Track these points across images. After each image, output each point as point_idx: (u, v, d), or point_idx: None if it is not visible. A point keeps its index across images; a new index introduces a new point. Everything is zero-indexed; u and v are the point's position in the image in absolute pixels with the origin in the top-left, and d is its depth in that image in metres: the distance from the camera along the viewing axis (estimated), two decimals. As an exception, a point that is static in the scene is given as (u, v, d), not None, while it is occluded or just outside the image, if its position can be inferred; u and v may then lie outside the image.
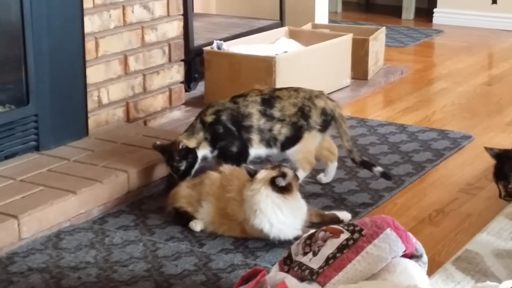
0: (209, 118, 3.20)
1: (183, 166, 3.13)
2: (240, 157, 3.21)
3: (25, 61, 3.24)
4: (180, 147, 3.12)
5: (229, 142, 3.21)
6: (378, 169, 3.31)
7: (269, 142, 3.24)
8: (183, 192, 3.03)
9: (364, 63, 4.81)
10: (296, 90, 3.32)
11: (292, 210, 2.80)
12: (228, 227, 2.89)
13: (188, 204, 2.99)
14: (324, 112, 3.27)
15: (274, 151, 3.27)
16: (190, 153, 3.14)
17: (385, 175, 3.31)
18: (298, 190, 2.84)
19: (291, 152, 3.26)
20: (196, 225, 2.94)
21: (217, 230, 2.91)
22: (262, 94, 3.28)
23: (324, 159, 3.39)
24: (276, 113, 3.23)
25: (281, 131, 3.23)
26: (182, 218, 2.98)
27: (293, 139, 3.25)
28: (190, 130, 3.21)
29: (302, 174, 3.21)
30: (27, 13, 3.20)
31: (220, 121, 3.20)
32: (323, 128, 3.29)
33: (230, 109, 3.22)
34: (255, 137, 3.22)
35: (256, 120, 3.22)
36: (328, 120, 3.29)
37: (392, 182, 3.37)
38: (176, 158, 3.12)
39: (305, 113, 3.25)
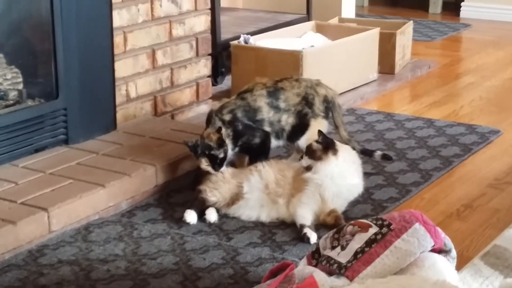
0: (227, 117, 3.20)
1: (221, 154, 3.12)
2: (264, 147, 3.25)
3: (54, 56, 3.27)
4: (217, 136, 3.12)
5: (251, 136, 3.23)
6: (378, 153, 3.49)
7: (278, 133, 3.29)
8: (215, 177, 3.06)
9: (391, 57, 4.79)
10: (297, 80, 3.38)
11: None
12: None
13: (214, 189, 3.01)
14: (326, 100, 3.35)
15: (281, 143, 3.32)
16: (224, 143, 3.15)
17: (385, 157, 3.46)
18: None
19: (302, 142, 3.28)
20: (211, 216, 2.97)
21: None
22: (267, 87, 3.31)
23: None
24: (281, 104, 3.27)
25: (288, 121, 3.28)
26: (194, 203, 3.01)
27: (300, 128, 3.29)
28: (212, 127, 3.21)
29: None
30: (57, 7, 3.23)
31: (237, 118, 3.21)
32: (326, 115, 3.35)
33: (242, 106, 3.24)
34: (267, 129, 3.26)
35: (266, 113, 3.25)
36: (329, 108, 3.36)
37: (420, 176, 3.36)
38: (214, 146, 3.11)
39: (309, 101, 3.30)
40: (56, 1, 3.22)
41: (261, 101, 3.25)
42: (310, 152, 2.96)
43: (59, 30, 3.25)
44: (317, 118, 3.31)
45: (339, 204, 2.97)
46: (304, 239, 2.80)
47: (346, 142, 3.34)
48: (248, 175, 3.02)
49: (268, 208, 2.97)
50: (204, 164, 3.09)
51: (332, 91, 3.40)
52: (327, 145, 2.95)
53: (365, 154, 3.45)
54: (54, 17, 3.23)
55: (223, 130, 3.13)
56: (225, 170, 3.10)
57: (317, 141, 2.96)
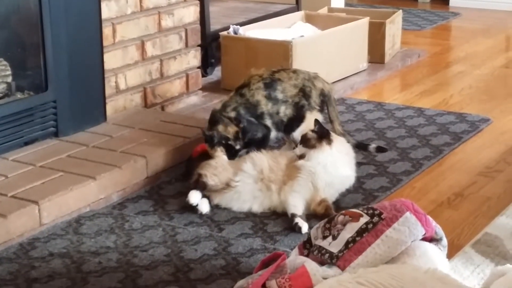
0: (232, 114, 3.23)
1: (237, 146, 3.18)
2: (264, 142, 3.29)
3: (43, 48, 3.25)
4: (236, 130, 3.18)
5: (254, 131, 3.26)
6: (372, 146, 3.53)
7: (277, 125, 3.30)
8: (214, 162, 3.07)
9: (381, 47, 4.79)
10: (295, 71, 3.39)
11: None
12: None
13: (213, 174, 3.01)
14: (322, 93, 3.37)
15: (280, 134, 3.34)
16: (239, 137, 3.20)
17: (380, 149, 3.50)
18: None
19: (297, 134, 3.30)
20: (203, 206, 2.97)
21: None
22: (263, 78, 3.32)
23: None
24: (279, 95, 3.30)
25: (286, 112, 3.30)
26: (197, 186, 3.00)
27: (296, 120, 3.31)
28: (222, 124, 3.22)
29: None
30: (45, -1, 3.22)
31: (241, 115, 3.24)
32: (322, 108, 3.37)
33: (243, 103, 3.26)
34: (268, 122, 3.28)
35: (265, 105, 3.27)
36: (325, 101, 3.38)
37: (411, 165, 3.37)
38: (231, 138, 3.18)
39: (306, 93, 3.33)
40: (44, -7, 3.21)
41: (259, 95, 3.27)
42: (304, 140, 2.98)
43: (48, 22, 3.23)
44: (312, 111, 3.33)
45: (330, 194, 2.97)
46: (296, 229, 2.80)
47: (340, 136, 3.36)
48: (242, 163, 3.02)
49: (261, 197, 2.97)
50: (219, 153, 3.14)
51: (329, 85, 3.42)
52: (322, 134, 2.96)
53: (360, 148, 3.48)
54: (43, 9, 3.21)
55: (234, 127, 3.18)
56: (224, 157, 3.13)
57: (312, 130, 2.97)
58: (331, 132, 3.01)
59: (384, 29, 4.76)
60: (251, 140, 3.26)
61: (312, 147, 2.94)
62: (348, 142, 3.23)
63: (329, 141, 2.96)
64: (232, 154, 3.17)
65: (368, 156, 3.48)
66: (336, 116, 3.45)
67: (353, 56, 4.59)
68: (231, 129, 3.19)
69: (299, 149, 2.98)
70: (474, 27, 5.95)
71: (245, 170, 2.99)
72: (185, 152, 3.32)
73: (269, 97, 3.28)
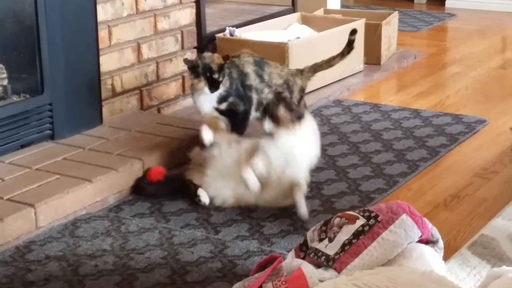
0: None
1: (220, 78, 3.21)
2: (244, 121, 3.33)
3: (39, 51, 3.25)
4: (221, 62, 3.22)
5: (238, 99, 3.29)
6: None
7: (258, 104, 3.36)
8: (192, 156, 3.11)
9: (377, 48, 4.79)
10: (281, 64, 3.49)
11: None
12: None
13: (195, 174, 3.05)
14: (301, 89, 3.48)
15: (255, 114, 3.37)
16: (223, 68, 3.23)
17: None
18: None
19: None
20: (204, 198, 3.00)
21: None
22: (253, 56, 3.41)
23: None
24: (265, 76, 3.37)
25: (268, 96, 3.35)
26: (187, 187, 3.05)
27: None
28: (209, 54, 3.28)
29: None
30: (41, 2, 3.21)
31: (233, 78, 3.28)
32: (299, 104, 3.44)
33: (235, 68, 3.31)
34: (254, 96, 3.35)
35: (253, 80, 3.35)
36: (302, 97, 3.48)
37: (407, 167, 3.37)
38: (214, 69, 3.20)
39: (290, 88, 3.41)
40: (40, -5, 3.21)
41: (248, 68, 3.35)
42: (275, 116, 2.93)
43: (44, 25, 3.23)
44: None
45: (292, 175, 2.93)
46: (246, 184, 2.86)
47: None
48: (212, 153, 3.04)
49: (230, 189, 2.99)
50: (202, 85, 3.19)
51: (305, 81, 3.52)
52: (297, 116, 2.92)
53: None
54: (38, 11, 3.21)
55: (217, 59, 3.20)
56: (195, 151, 3.15)
57: (287, 106, 2.93)
58: (305, 114, 2.97)
59: (380, 30, 4.76)
60: (232, 110, 3.28)
61: (281, 126, 2.90)
62: None
63: (299, 124, 2.91)
64: (214, 86, 3.19)
65: (364, 158, 3.48)
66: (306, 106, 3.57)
67: (349, 57, 4.57)
68: (217, 59, 3.20)
69: (268, 125, 2.93)
70: (470, 28, 5.96)
71: (215, 158, 3.01)
72: (182, 155, 3.32)
73: (257, 73, 3.36)
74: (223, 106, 3.26)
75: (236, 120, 3.31)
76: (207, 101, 3.25)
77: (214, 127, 3.25)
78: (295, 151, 2.92)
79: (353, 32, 3.58)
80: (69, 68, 3.36)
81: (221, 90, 3.23)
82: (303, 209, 2.84)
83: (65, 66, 3.34)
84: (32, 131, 3.29)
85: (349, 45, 3.66)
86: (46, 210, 2.84)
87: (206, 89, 3.20)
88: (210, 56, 3.24)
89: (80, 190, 2.96)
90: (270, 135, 2.94)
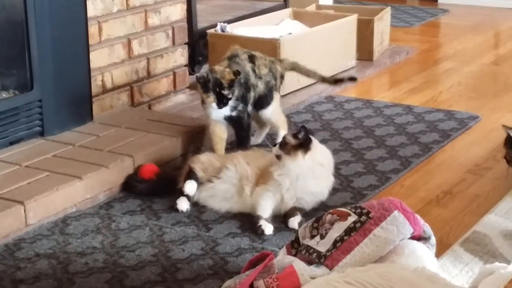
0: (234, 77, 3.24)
1: (229, 94, 3.20)
2: (248, 130, 3.38)
3: (28, 47, 3.22)
4: (232, 78, 3.20)
5: (243, 109, 3.29)
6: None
7: (254, 99, 3.39)
8: (204, 158, 3.06)
9: (369, 44, 4.78)
10: (260, 53, 3.51)
11: None
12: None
13: (202, 169, 3.01)
14: (281, 76, 3.53)
15: (250, 108, 3.39)
16: (234, 85, 3.22)
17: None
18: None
19: (269, 112, 3.46)
20: (182, 205, 2.96)
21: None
22: (245, 52, 3.43)
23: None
24: (256, 70, 3.40)
25: (260, 88, 3.40)
26: (191, 175, 3.00)
27: (266, 98, 3.43)
28: (220, 67, 3.27)
29: (283, 132, 3.39)
30: (30, -3, 3.19)
31: (240, 82, 3.28)
32: (279, 90, 3.52)
33: (240, 68, 3.32)
34: (252, 94, 3.37)
35: (252, 77, 3.37)
36: (281, 83, 3.54)
37: (400, 163, 3.36)
38: (225, 85, 3.19)
39: (274, 74, 3.47)
40: (29, -9, 3.18)
41: (247, 66, 3.37)
42: (282, 143, 2.90)
43: (32, 21, 3.21)
44: (277, 91, 3.50)
45: (300, 204, 2.90)
46: (258, 231, 2.77)
47: None
48: (228, 163, 3.00)
49: (233, 200, 2.95)
50: (211, 100, 3.17)
51: (283, 69, 3.57)
52: (302, 142, 2.86)
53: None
54: (27, 7, 3.18)
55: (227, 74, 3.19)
56: (211, 154, 3.14)
57: (294, 135, 2.89)
58: (313, 141, 2.90)
59: (372, 26, 4.75)
60: (237, 118, 3.28)
61: (287, 153, 2.86)
62: None
63: (306, 151, 2.85)
64: (222, 102, 3.18)
65: (356, 155, 3.47)
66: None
67: (341, 53, 4.58)
68: (228, 75, 3.18)
69: (276, 150, 2.90)
70: (463, 24, 5.95)
71: (228, 173, 2.97)
72: (173, 151, 3.30)
73: (253, 69, 3.38)
74: (234, 113, 3.26)
75: (241, 130, 3.32)
76: (218, 110, 3.23)
77: (217, 138, 3.29)
78: (301, 179, 2.87)
79: (352, 79, 3.59)
80: (58, 64, 3.33)
81: (233, 100, 3.21)
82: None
83: (55, 62, 3.32)
84: (22, 128, 3.26)
85: (337, 82, 3.75)
86: (35, 208, 2.82)
87: (214, 105, 3.18)
88: (222, 72, 3.20)
89: (70, 187, 2.94)
90: (278, 159, 2.90)
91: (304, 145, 2.86)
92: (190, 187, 2.97)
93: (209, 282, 2.46)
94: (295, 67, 3.67)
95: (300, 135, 2.86)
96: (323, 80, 3.77)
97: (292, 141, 2.87)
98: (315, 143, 2.91)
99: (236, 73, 3.18)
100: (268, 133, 3.61)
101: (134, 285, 2.45)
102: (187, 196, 2.97)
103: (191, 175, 3.00)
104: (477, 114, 3.98)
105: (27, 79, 3.26)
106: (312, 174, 2.87)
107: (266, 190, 2.88)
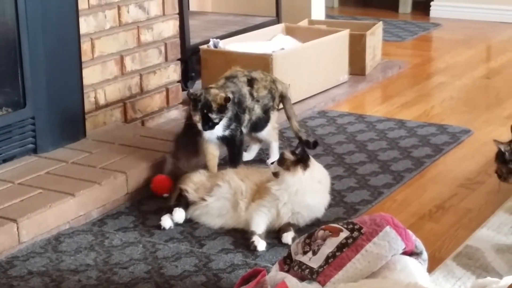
0: (230, 95, 3.22)
1: (216, 119, 3.17)
2: (240, 149, 3.37)
3: (21, 64, 3.23)
4: (222, 103, 3.17)
5: (236, 128, 3.29)
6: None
7: (249, 121, 3.39)
8: (196, 178, 3.06)
9: (362, 59, 4.79)
10: (262, 72, 3.50)
11: None
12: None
13: (194, 190, 3.01)
14: (281, 95, 3.51)
15: (246, 130, 3.39)
16: (225, 110, 3.19)
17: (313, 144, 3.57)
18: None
19: (266, 133, 3.47)
20: (166, 222, 2.96)
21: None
22: (245, 75, 3.42)
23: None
24: (254, 93, 3.39)
25: (256, 111, 3.40)
26: (180, 201, 3.01)
27: (263, 120, 3.43)
28: (214, 89, 3.25)
29: (276, 144, 3.51)
30: (22, 15, 3.19)
31: (234, 102, 3.27)
32: (278, 108, 3.52)
33: (237, 92, 3.31)
34: (247, 117, 3.36)
35: (249, 100, 3.36)
36: (282, 101, 3.53)
37: (392, 178, 3.37)
38: (213, 109, 3.16)
39: (272, 95, 3.46)
40: (21, 9, 3.19)
41: (244, 88, 3.36)
42: (280, 159, 2.92)
43: (25, 38, 3.22)
44: (274, 110, 3.48)
45: (296, 220, 2.91)
46: (251, 247, 2.78)
47: (297, 132, 3.54)
48: (220, 181, 3.01)
49: (228, 216, 2.96)
50: (197, 119, 3.15)
51: (285, 85, 3.55)
52: (300, 159, 2.89)
53: (311, 146, 3.52)
54: (20, 25, 3.19)
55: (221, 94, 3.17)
56: (204, 172, 3.13)
57: (292, 152, 2.91)
58: (311, 158, 2.94)
59: (364, 41, 4.77)
60: (231, 138, 3.27)
61: (286, 169, 2.88)
62: (301, 137, 3.49)
63: (305, 167, 2.88)
64: (208, 126, 3.15)
65: (349, 169, 3.47)
66: (294, 113, 3.57)
67: (333, 68, 4.59)
68: (219, 100, 3.14)
69: (274, 167, 2.94)
70: (454, 37, 5.98)
71: (220, 190, 2.98)
72: (166, 168, 3.30)
73: (251, 93, 3.37)
74: (226, 133, 3.25)
75: (234, 147, 3.31)
76: (209, 132, 3.22)
77: (210, 155, 3.29)
78: (300, 193, 2.88)
79: (315, 144, 3.55)
80: (51, 81, 3.34)
81: (226, 119, 3.20)
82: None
83: (48, 79, 3.33)
84: (15, 145, 3.27)
85: (310, 145, 3.52)
86: (28, 225, 2.82)
87: (200, 125, 3.16)
88: (215, 95, 3.16)
89: (63, 204, 2.94)
90: (275, 177, 2.92)
91: (302, 161, 2.88)
92: (178, 215, 2.97)
93: (202, 298, 2.46)
94: (284, 99, 3.56)
95: (298, 151, 2.89)
96: (296, 134, 3.59)
97: (291, 157, 2.89)
98: (313, 161, 2.95)
99: (227, 99, 3.14)
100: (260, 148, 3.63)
101: (127, 302, 2.46)
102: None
103: (180, 199, 3.01)
104: (469, 128, 3.99)
105: (20, 96, 3.26)
106: (311, 190, 2.90)
107: (261, 205, 2.89)
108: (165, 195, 3.17)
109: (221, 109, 3.15)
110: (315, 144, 3.55)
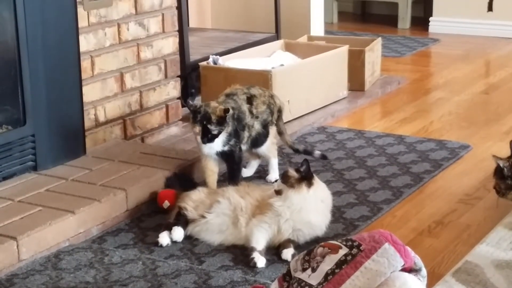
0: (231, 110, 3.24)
1: (215, 131, 3.19)
2: (240, 166, 3.38)
3: (21, 82, 3.24)
4: (221, 115, 3.19)
5: (236, 144, 3.31)
6: (317, 152, 3.75)
7: (248, 138, 3.41)
8: (195, 196, 3.07)
9: (361, 74, 4.81)
10: (261, 88, 3.53)
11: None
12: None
13: (193, 208, 3.01)
14: (279, 110, 3.55)
15: (245, 147, 3.41)
16: (224, 122, 3.23)
17: (323, 157, 3.74)
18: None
19: (265, 148, 3.49)
20: (163, 239, 2.96)
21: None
22: (245, 92, 3.44)
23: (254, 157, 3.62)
24: (254, 110, 3.42)
25: (255, 127, 3.42)
26: (179, 220, 3.01)
27: (263, 136, 3.46)
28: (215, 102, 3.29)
29: (275, 160, 3.54)
30: (22, 33, 3.21)
31: (234, 117, 3.30)
32: (276, 123, 3.55)
33: (237, 109, 3.33)
34: (246, 134, 3.38)
35: (248, 117, 3.38)
36: (279, 116, 3.57)
37: (391, 194, 3.38)
38: (213, 121, 3.19)
39: (271, 110, 3.49)
40: (22, 27, 3.20)
41: (244, 106, 3.38)
42: (284, 177, 2.93)
43: (25, 56, 3.23)
44: (272, 125, 3.51)
45: (297, 237, 2.92)
46: (251, 263, 2.78)
47: (291, 146, 3.67)
48: (219, 198, 3.01)
49: (228, 233, 2.96)
50: (196, 131, 3.18)
51: (281, 101, 3.60)
52: (305, 176, 2.90)
53: (306, 153, 3.68)
54: (20, 42, 3.21)
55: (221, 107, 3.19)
56: (203, 190, 3.13)
57: (297, 169, 2.92)
58: (315, 176, 2.95)
59: (363, 56, 4.78)
60: (230, 153, 3.28)
61: (290, 186, 2.90)
62: (297, 149, 3.65)
63: (309, 185, 2.90)
64: (207, 138, 3.18)
65: (348, 185, 3.48)
66: (285, 128, 3.66)
67: (333, 84, 4.61)
68: (219, 112, 3.16)
69: (278, 185, 2.95)
70: (453, 53, 6.00)
71: (220, 206, 2.99)
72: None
73: (250, 111, 3.40)
74: (226, 148, 3.27)
75: (233, 164, 3.33)
76: (209, 146, 3.24)
77: (209, 172, 3.31)
78: (303, 211, 2.89)
79: (323, 157, 3.73)
80: (51, 99, 3.36)
81: (224, 135, 3.22)
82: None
83: (48, 97, 3.34)
84: (15, 163, 3.28)
85: (309, 153, 3.72)
86: (28, 243, 2.82)
87: (199, 138, 3.18)
88: (215, 107, 3.19)
89: (63, 221, 2.95)
90: (278, 194, 2.93)
91: (307, 179, 2.90)
92: (177, 234, 2.98)
93: (202, 316, 2.46)
94: (280, 115, 3.60)
95: (303, 169, 2.90)
96: (291, 146, 3.71)
97: (295, 174, 2.90)
98: (317, 180, 2.96)
99: (226, 111, 3.17)
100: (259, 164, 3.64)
101: (127, 319, 2.46)
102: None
103: (179, 218, 3.02)
104: (468, 143, 4.00)
105: (20, 114, 3.28)
106: (314, 208, 2.91)
107: (263, 221, 2.90)
108: (167, 202, 3.18)
109: (221, 121, 3.18)
110: (323, 157, 3.71)
